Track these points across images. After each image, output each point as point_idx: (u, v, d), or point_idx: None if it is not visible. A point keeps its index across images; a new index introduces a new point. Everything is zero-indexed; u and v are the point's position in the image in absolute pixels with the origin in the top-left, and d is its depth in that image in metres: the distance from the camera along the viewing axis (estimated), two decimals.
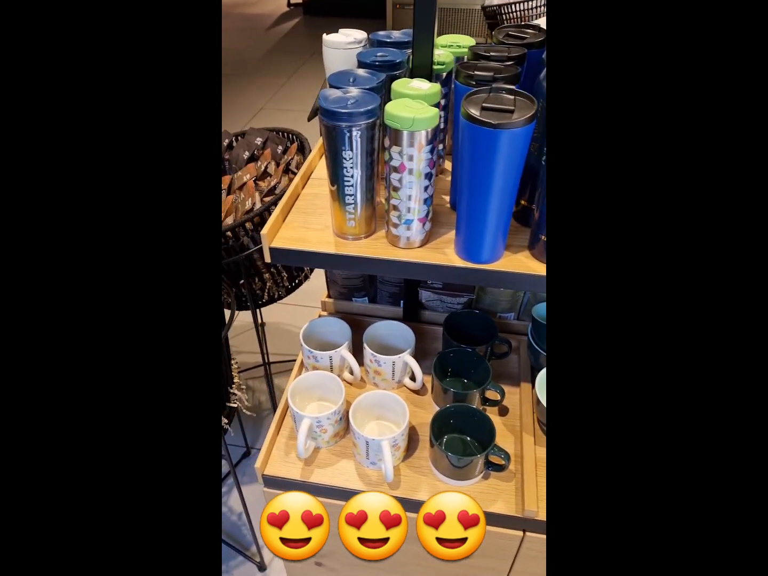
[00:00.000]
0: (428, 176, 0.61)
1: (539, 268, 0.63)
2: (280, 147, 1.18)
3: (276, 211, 0.70)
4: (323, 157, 0.88)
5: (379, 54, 0.72)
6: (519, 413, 0.82)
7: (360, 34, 0.79)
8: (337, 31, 0.80)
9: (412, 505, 0.72)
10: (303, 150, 1.15)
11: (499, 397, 0.79)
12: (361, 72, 0.67)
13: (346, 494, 0.73)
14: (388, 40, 0.77)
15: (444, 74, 0.72)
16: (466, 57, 0.75)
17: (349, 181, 0.62)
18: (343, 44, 0.77)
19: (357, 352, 0.87)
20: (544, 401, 0.75)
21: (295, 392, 0.78)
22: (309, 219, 0.72)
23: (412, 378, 0.85)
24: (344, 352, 0.83)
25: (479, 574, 0.82)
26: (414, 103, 0.58)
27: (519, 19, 2.62)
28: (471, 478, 0.72)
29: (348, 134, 0.59)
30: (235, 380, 0.95)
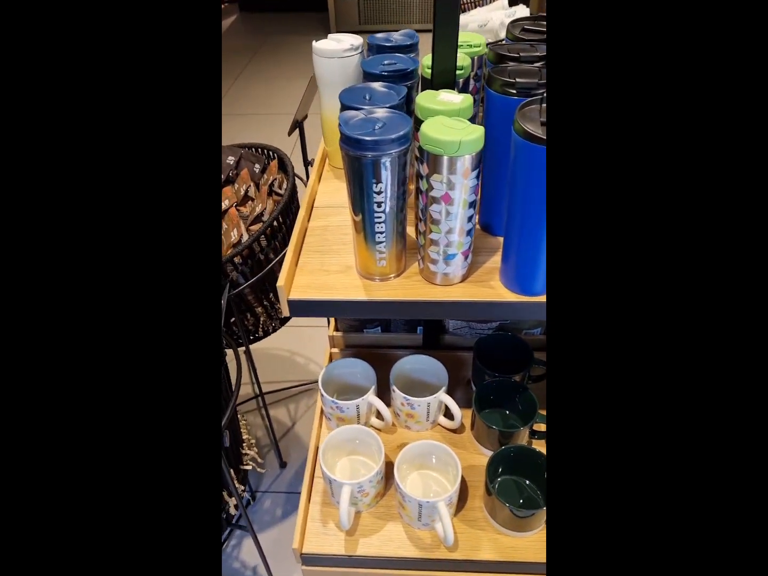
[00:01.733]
0: (473, 204, 0.52)
1: None
2: (257, 165, 1.07)
3: (288, 256, 0.60)
4: (322, 180, 0.78)
5: (386, 62, 0.63)
6: None
7: (355, 40, 0.69)
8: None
9: (476, 567, 0.65)
10: (285, 168, 1.04)
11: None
12: (377, 86, 0.57)
13: (400, 564, 0.65)
14: (389, 44, 0.68)
15: (461, 80, 0.64)
16: (476, 57, 0.67)
17: (380, 216, 0.53)
18: (339, 52, 0.67)
19: (379, 390, 0.78)
20: None
21: (325, 452, 0.68)
22: (325, 259, 0.62)
23: (447, 415, 0.77)
24: (372, 398, 0.74)
25: None
26: (452, 122, 0.50)
27: (470, 4, 2.55)
28: (537, 527, 0.65)
29: (378, 165, 0.49)
30: (244, 437, 0.85)
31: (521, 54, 0.58)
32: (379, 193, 0.51)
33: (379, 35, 0.70)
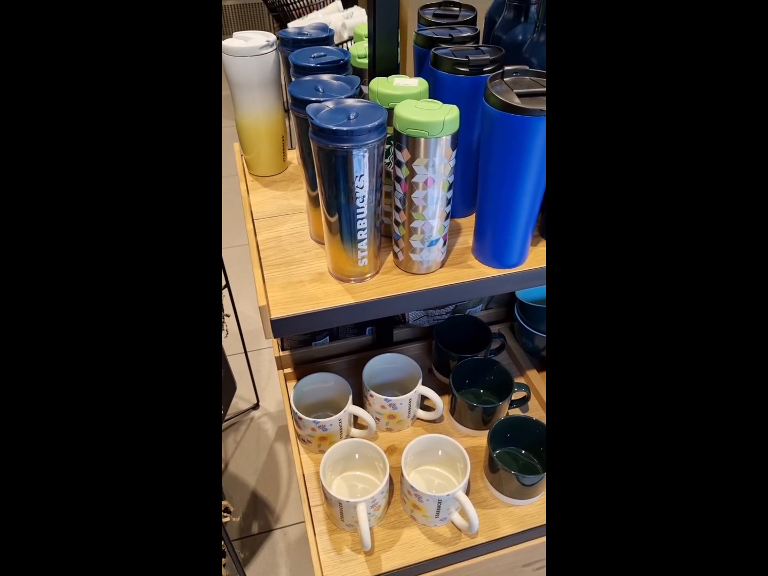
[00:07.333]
0: (452, 186, 0.52)
1: None
2: None
3: (257, 274, 0.54)
4: (251, 192, 0.72)
5: (314, 55, 0.59)
6: (540, 402, 0.79)
7: (268, 36, 0.64)
8: None
9: (500, 545, 0.65)
10: None
11: (525, 394, 0.75)
12: (326, 78, 0.54)
13: (429, 566, 0.63)
14: (303, 38, 0.65)
15: None
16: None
17: (362, 212, 0.50)
18: (255, 50, 0.62)
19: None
20: None
21: (325, 475, 0.63)
22: (292, 270, 0.58)
23: (425, 408, 0.76)
24: (353, 408, 0.70)
25: None
26: (424, 104, 0.48)
27: (305, 9, 2.56)
28: (543, 491, 0.67)
29: (358, 157, 0.47)
30: None
31: (453, 35, 0.59)
32: (361, 187, 0.48)
33: (290, 29, 0.66)
